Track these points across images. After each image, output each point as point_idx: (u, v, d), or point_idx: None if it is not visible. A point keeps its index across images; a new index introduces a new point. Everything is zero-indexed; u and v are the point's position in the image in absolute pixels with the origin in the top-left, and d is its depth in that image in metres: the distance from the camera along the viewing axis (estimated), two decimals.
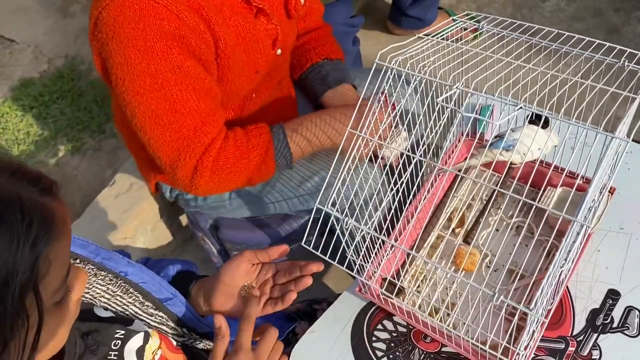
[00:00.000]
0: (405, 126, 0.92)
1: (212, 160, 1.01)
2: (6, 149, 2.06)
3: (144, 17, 0.90)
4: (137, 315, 0.82)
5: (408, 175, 0.86)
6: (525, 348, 0.78)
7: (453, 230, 1.06)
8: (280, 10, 1.12)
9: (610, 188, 1.04)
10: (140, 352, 0.75)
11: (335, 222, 0.78)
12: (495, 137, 0.91)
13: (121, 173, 1.66)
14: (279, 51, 1.14)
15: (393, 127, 1.02)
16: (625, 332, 0.92)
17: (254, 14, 1.07)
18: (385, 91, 0.84)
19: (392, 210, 0.88)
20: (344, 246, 0.84)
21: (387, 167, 0.97)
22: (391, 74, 0.75)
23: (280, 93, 1.27)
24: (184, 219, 1.74)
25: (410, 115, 0.92)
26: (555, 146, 0.86)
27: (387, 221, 0.87)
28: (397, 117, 0.94)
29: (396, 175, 0.86)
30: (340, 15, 1.61)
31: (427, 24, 2.06)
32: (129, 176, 1.61)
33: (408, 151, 0.84)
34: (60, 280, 0.55)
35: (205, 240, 1.43)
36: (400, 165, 0.89)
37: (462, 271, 0.98)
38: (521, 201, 0.74)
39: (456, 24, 0.87)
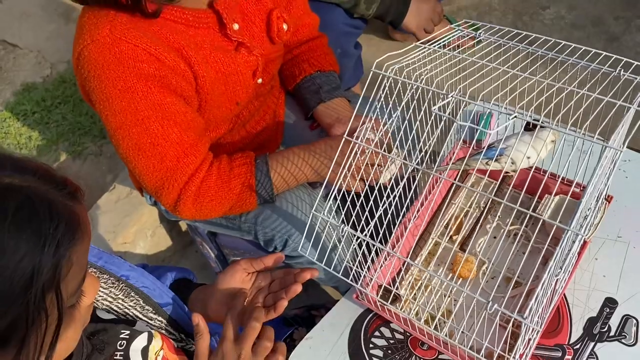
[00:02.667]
0: (396, 150, 0.92)
1: (195, 189, 1.03)
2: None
3: (123, 60, 0.93)
4: (138, 318, 0.83)
5: (404, 182, 0.87)
6: (521, 356, 0.78)
7: (450, 237, 1.06)
8: (263, 38, 1.13)
9: (608, 196, 1.04)
10: (144, 351, 0.76)
11: (331, 229, 0.78)
12: (489, 146, 0.91)
13: (121, 178, 1.67)
14: (259, 80, 1.15)
15: (383, 154, 1.03)
16: (622, 340, 0.92)
17: (234, 47, 1.08)
18: (378, 113, 0.84)
19: (389, 217, 0.88)
20: (340, 253, 0.84)
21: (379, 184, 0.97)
22: (387, 82, 0.76)
23: (264, 115, 1.27)
24: (183, 225, 1.75)
25: (402, 133, 0.92)
26: (553, 141, 0.85)
27: (383, 229, 0.87)
28: (387, 143, 0.95)
29: (392, 182, 0.86)
30: (342, 16, 1.61)
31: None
32: (129, 182, 1.62)
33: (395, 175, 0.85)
34: (78, 283, 0.57)
35: (203, 245, 1.43)
36: (393, 181, 0.90)
37: (458, 279, 0.98)
38: (519, 210, 0.74)
39: (455, 32, 0.88)
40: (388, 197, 0.85)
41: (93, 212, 1.60)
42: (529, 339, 0.79)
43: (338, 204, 0.84)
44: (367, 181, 0.99)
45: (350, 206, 0.84)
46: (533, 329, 0.68)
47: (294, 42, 1.29)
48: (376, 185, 0.92)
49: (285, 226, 1.14)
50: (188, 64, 1.00)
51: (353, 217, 0.82)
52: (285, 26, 1.13)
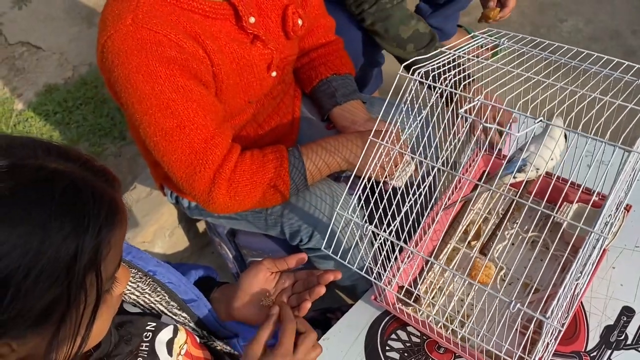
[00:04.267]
0: (415, 156, 0.94)
1: (229, 173, 1.04)
2: None
3: (145, 45, 0.95)
4: (163, 313, 0.85)
5: (427, 185, 0.88)
6: (540, 359, 0.79)
7: (469, 243, 1.07)
8: (278, 33, 1.15)
9: (627, 205, 1.04)
10: (170, 344, 0.77)
11: (355, 228, 0.80)
12: (508, 160, 0.92)
13: (142, 179, 1.70)
14: (273, 73, 1.17)
15: (404, 158, 1.04)
16: (639, 349, 0.92)
17: (250, 40, 1.10)
18: (398, 123, 0.86)
19: (410, 220, 0.90)
20: (362, 253, 0.85)
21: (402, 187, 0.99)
22: (414, 85, 0.77)
23: (281, 115, 1.29)
24: (201, 226, 1.76)
25: (426, 137, 0.94)
26: (565, 136, 0.87)
27: (405, 231, 0.88)
28: (407, 148, 0.97)
29: (415, 185, 0.88)
30: None
31: (446, 37, 2.08)
32: (150, 182, 1.64)
33: (416, 179, 0.86)
34: (115, 267, 0.59)
35: (222, 245, 1.45)
36: (415, 184, 0.91)
37: (477, 283, 0.99)
38: (537, 216, 0.75)
39: (476, 40, 0.90)
40: (410, 199, 0.86)
41: None
42: (547, 343, 0.80)
43: (362, 204, 0.85)
44: (388, 182, 1.01)
45: (373, 207, 0.85)
46: (554, 330, 0.69)
47: (310, 45, 1.32)
48: (398, 187, 0.94)
49: (310, 218, 1.15)
50: (205, 51, 1.02)
51: (376, 218, 0.83)
52: (300, 21, 1.15)
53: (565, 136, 0.86)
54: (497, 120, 0.70)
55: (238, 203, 1.08)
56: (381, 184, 0.90)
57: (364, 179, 0.86)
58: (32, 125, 2.22)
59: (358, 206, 0.83)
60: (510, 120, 1.20)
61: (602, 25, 2.24)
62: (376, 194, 0.86)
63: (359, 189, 0.82)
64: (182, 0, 1.00)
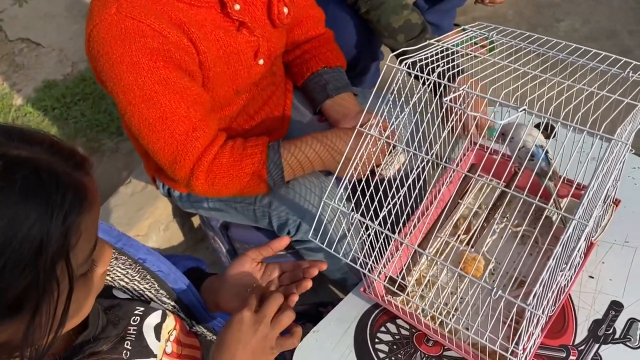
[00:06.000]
0: (402, 145, 0.95)
1: (207, 165, 1.07)
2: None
3: (129, 35, 0.97)
4: (152, 300, 0.85)
5: (415, 176, 0.88)
6: (524, 350, 0.79)
7: (458, 237, 1.07)
8: (264, 20, 1.16)
9: (615, 200, 1.05)
10: (157, 328, 0.77)
11: (341, 217, 0.80)
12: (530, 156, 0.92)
13: (137, 173, 1.70)
14: (260, 61, 1.18)
15: (390, 148, 1.05)
16: (627, 343, 0.92)
17: (236, 27, 1.11)
18: (385, 113, 0.87)
19: (397, 210, 0.90)
20: (350, 244, 0.86)
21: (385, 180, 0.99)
22: (401, 75, 0.78)
23: (271, 103, 1.30)
24: (196, 221, 1.77)
25: (412, 127, 0.94)
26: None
27: (394, 222, 0.89)
28: (394, 138, 0.97)
29: (402, 175, 0.88)
30: None
31: (443, 34, 2.08)
32: (145, 176, 1.65)
33: (405, 168, 0.86)
34: (88, 252, 0.58)
35: (215, 239, 1.46)
36: (403, 174, 0.92)
37: (464, 273, 0.99)
38: (528, 211, 0.75)
39: (466, 33, 0.90)
40: (398, 190, 0.86)
41: (108, 205, 1.63)
42: (532, 333, 0.80)
43: (349, 193, 0.85)
44: (376, 172, 1.01)
45: (360, 196, 0.86)
46: (537, 319, 0.69)
47: (300, 36, 1.32)
48: (383, 178, 0.94)
49: (298, 210, 1.16)
50: (190, 40, 1.03)
51: (362, 207, 0.84)
52: (285, 10, 1.16)
53: (553, 129, 0.86)
54: (480, 110, 0.70)
55: (217, 191, 1.11)
56: (367, 174, 0.90)
57: (349, 171, 0.86)
58: (31, 120, 2.23)
59: (345, 196, 0.83)
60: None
61: (599, 25, 2.24)
62: (362, 185, 0.87)
63: (345, 179, 0.83)
64: None
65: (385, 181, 0.88)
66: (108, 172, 2.03)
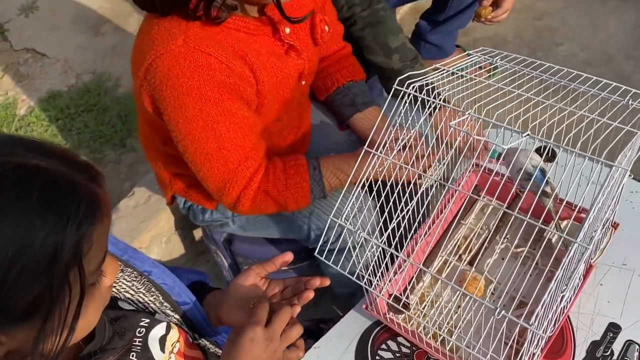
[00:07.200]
0: (439, 154, 0.96)
1: (252, 193, 1.11)
2: None
3: (198, 68, 0.98)
4: (156, 312, 0.86)
5: (419, 197, 0.90)
6: None
7: (459, 256, 1.09)
8: (308, 40, 1.18)
9: (614, 223, 1.07)
10: (162, 340, 0.78)
11: (347, 235, 0.82)
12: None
13: (140, 185, 1.72)
14: (303, 82, 1.21)
15: (428, 156, 1.06)
16: None
17: (285, 51, 1.13)
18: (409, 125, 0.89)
19: (401, 229, 0.92)
20: (353, 260, 0.87)
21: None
22: (408, 99, 0.80)
23: (298, 114, 1.33)
24: (197, 233, 1.78)
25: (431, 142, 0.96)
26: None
27: (396, 239, 0.90)
28: (430, 145, 0.99)
29: (407, 196, 0.90)
30: None
31: (444, 54, 2.11)
32: (148, 188, 1.66)
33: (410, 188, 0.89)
34: (98, 262, 0.60)
35: (217, 253, 1.47)
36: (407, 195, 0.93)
37: (467, 292, 1.01)
38: (529, 232, 0.76)
39: (471, 58, 0.92)
40: (402, 210, 0.88)
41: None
42: (533, 353, 0.81)
43: (355, 212, 0.87)
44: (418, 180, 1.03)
45: (366, 215, 0.87)
46: (538, 339, 0.70)
47: (324, 51, 1.34)
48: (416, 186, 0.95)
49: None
50: (251, 70, 1.05)
51: (368, 226, 0.85)
52: (327, 28, 1.19)
53: (554, 153, 0.88)
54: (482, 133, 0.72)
55: (261, 212, 1.17)
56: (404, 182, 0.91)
57: (360, 183, 0.87)
58: (34, 130, 2.25)
59: (352, 213, 0.85)
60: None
61: (597, 50, 2.29)
62: (368, 204, 0.88)
63: (352, 197, 0.85)
64: (228, 20, 1.02)
65: (391, 199, 0.90)
66: (111, 183, 2.04)
